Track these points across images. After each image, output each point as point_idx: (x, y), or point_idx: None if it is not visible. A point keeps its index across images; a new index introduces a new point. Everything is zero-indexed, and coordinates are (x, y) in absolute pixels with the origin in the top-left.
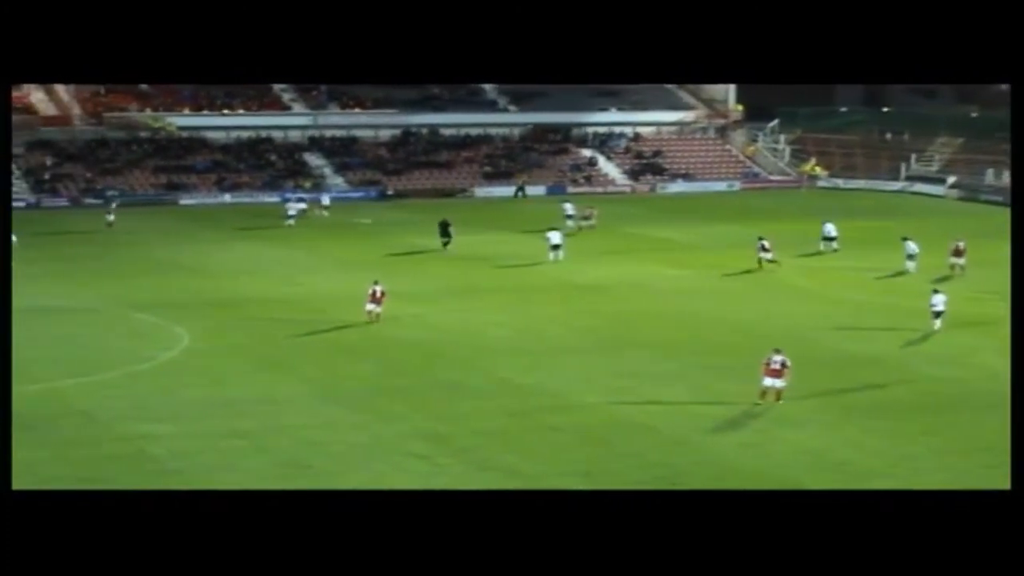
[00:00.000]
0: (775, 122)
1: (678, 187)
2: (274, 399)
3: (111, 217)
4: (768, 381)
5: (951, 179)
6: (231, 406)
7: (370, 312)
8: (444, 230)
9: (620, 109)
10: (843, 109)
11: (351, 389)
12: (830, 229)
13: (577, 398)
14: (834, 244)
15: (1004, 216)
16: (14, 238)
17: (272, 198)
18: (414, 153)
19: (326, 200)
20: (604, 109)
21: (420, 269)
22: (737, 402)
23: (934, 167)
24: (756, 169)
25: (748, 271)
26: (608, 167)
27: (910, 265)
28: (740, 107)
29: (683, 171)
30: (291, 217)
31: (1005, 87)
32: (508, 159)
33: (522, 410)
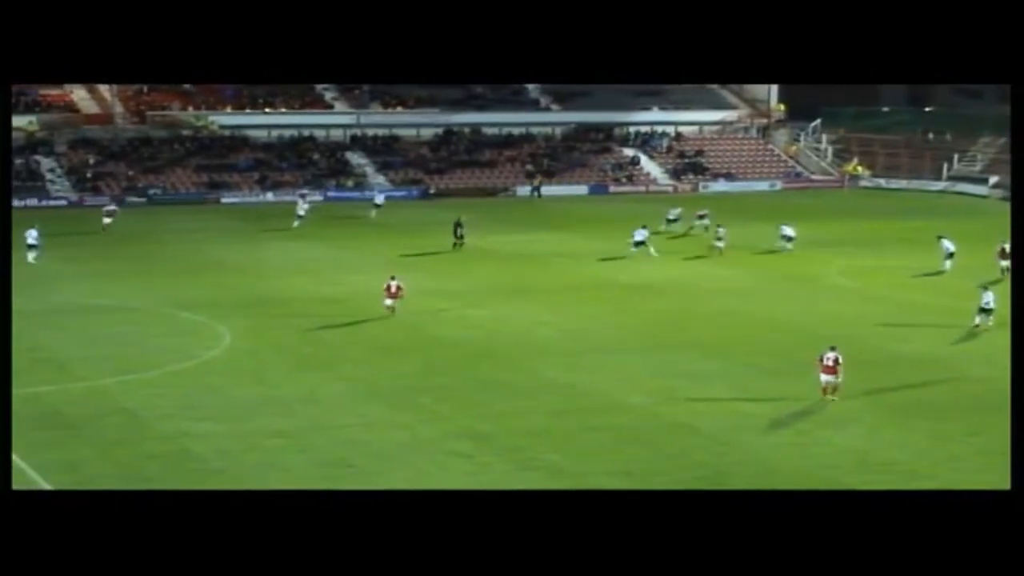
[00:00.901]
0: (817, 122)
1: (720, 186)
2: (317, 398)
3: (108, 220)
4: (824, 378)
5: (994, 179)
6: (274, 405)
7: (388, 306)
8: (455, 230)
9: (662, 108)
10: (886, 109)
11: (394, 388)
12: (787, 230)
13: (621, 398)
14: (789, 245)
15: None
16: (34, 232)
17: (315, 197)
18: (456, 152)
19: (380, 199)
20: (646, 108)
21: (465, 267)
22: (781, 401)
23: (977, 167)
24: (798, 169)
25: (796, 270)
26: (650, 166)
27: (947, 264)
28: (782, 107)
29: (725, 170)
30: (300, 218)
31: None
32: (551, 158)
33: (565, 410)
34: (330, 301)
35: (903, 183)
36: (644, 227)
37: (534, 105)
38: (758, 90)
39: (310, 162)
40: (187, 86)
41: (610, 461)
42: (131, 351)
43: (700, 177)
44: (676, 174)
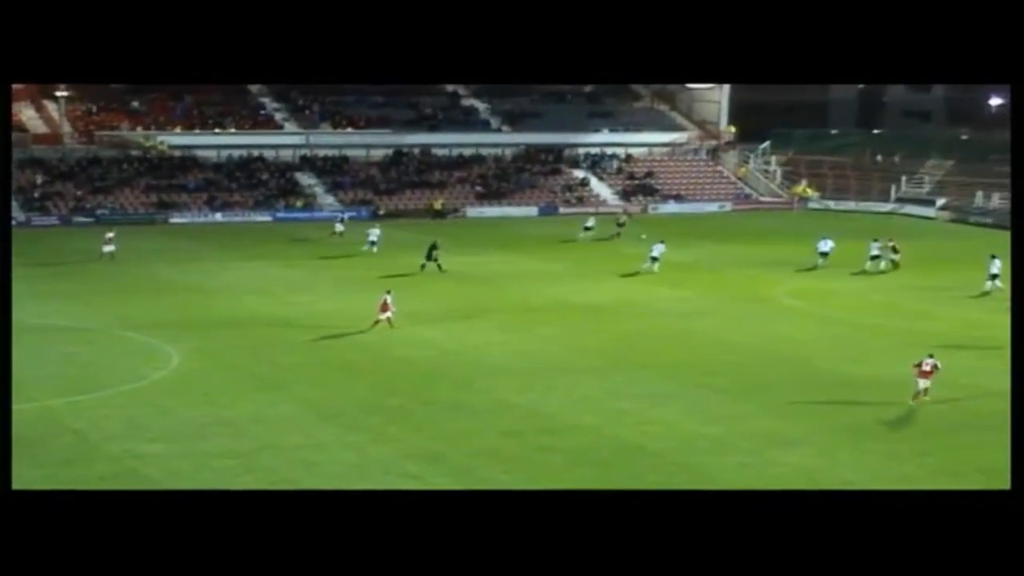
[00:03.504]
0: (767, 143)
1: (670, 208)
2: (268, 418)
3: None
4: (922, 382)
5: (941, 201)
6: (224, 426)
7: (386, 320)
8: (429, 253)
9: (612, 130)
10: (835, 131)
11: (345, 408)
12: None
13: (574, 419)
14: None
15: (994, 238)
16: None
17: (264, 217)
18: (406, 173)
19: (340, 225)
20: (597, 130)
21: (418, 289)
22: (733, 422)
23: (925, 189)
24: (748, 190)
25: (746, 291)
26: (600, 188)
27: (881, 264)
28: (732, 128)
29: (675, 192)
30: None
31: (997, 109)
32: (501, 179)
33: (518, 431)
34: (281, 322)
35: (852, 205)
36: (662, 242)
37: (485, 126)
38: (708, 112)
39: (260, 182)
40: (136, 104)
41: (562, 482)
42: (80, 371)
43: (650, 198)
44: (626, 195)
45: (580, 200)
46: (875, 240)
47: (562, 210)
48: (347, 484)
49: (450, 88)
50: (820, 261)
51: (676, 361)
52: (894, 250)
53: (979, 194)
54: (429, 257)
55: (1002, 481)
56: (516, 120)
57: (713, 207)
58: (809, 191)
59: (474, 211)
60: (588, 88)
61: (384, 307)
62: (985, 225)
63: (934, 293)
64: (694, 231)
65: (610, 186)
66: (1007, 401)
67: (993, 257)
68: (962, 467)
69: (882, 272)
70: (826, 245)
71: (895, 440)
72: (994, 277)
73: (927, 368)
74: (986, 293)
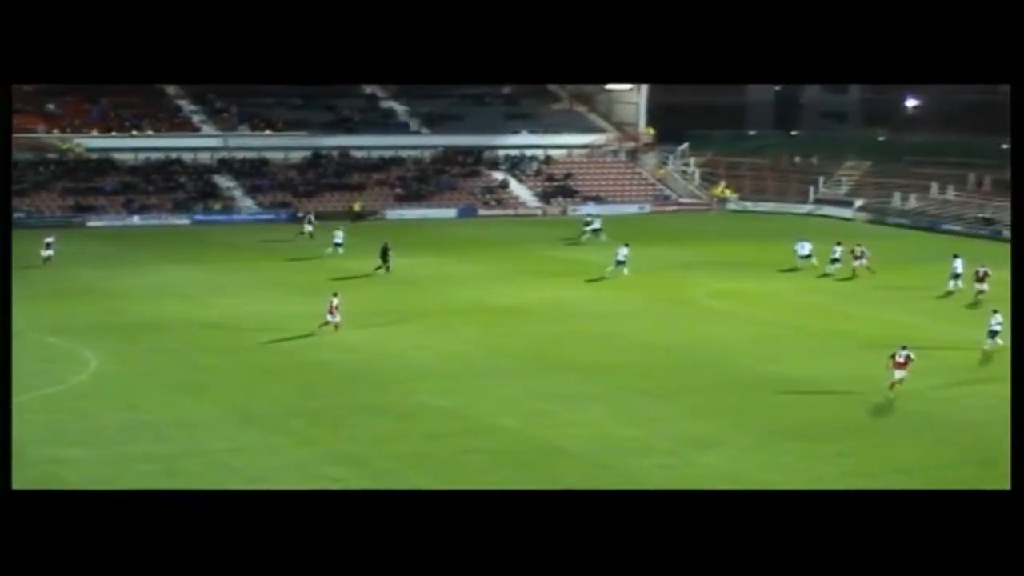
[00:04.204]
0: (685, 145)
1: (589, 209)
2: (189, 422)
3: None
4: (898, 373)
5: (858, 202)
6: (145, 430)
7: (329, 323)
8: (384, 254)
9: (531, 132)
10: (753, 132)
11: (267, 412)
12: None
13: (495, 421)
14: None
15: (911, 239)
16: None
17: (182, 220)
18: (325, 175)
19: (308, 227)
20: (515, 132)
21: (339, 290)
22: (654, 423)
23: (842, 190)
24: (666, 192)
25: (668, 293)
26: (519, 190)
27: (800, 263)
28: (651, 130)
29: (594, 194)
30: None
31: (912, 111)
32: (420, 181)
33: (440, 433)
34: (203, 325)
35: (770, 206)
36: (626, 245)
37: (403, 128)
38: (626, 113)
39: (178, 185)
40: (52, 107)
41: (485, 484)
42: None
43: (569, 200)
44: (545, 197)
45: (499, 202)
46: (837, 244)
47: (481, 212)
48: (269, 487)
49: (368, 90)
50: (799, 264)
51: (598, 363)
52: (854, 255)
53: (897, 195)
54: (384, 259)
55: (921, 481)
56: (435, 122)
57: (632, 209)
58: (727, 192)
59: (393, 213)
60: (506, 90)
61: (332, 309)
62: (902, 226)
63: (854, 293)
64: (614, 233)
65: (529, 188)
66: (925, 402)
67: (955, 256)
68: (879, 467)
69: (849, 278)
70: (804, 248)
71: (813, 440)
72: (957, 276)
73: (901, 360)
74: (950, 293)
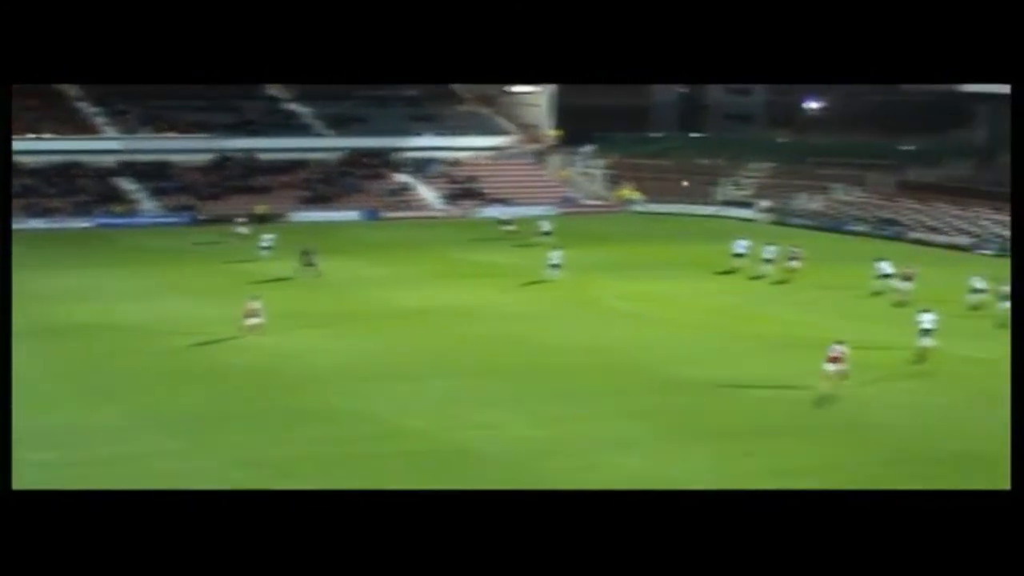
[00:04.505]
0: (591, 147)
1: (495, 211)
2: (91, 427)
3: None
4: (831, 367)
5: (763, 203)
6: (46, 435)
7: (250, 326)
8: (306, 258)
9: (437, 134)
10: (657, 134)
11: (171, 415)
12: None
13: (406, 424)
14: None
15: (816, 240)
16: None
17: (84, 223)
18: (230, 178)
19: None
20: (420, 134)
21: (247, 293)
22: (566, 425)
23: (746, 191)
24: (572, 194)
25: (577, 295)
26: (425, 192)
27: (736, 262)
28: (556, 132)
29: (500, 195)
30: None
31: (814, 112)
32: (325, 184)
33: (349, 437)
34: (114, 328)
35: (675, 207)
36: (559, 248)
37: (308, 130)
38: (532, 115)
39: (79, 188)
40: None
41: (393, 487)
42: None
43: (475, 202)
44: (451, 199)
45: (405, 204)
46: (769, 244)
47: (387, 214)
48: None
49: (271, 91)
50: (734, 263)
51: (506, 365)
52: (789, 256)
53: (802, 196)
54: (310, 262)
55: (836, 480)
56: (339, 124)
57: (539, 210)
58: (633, 194)
59: (299, 216)
60: (411, 92)
61: (252, 312)
62: (806, 227)
63: (765, 295)
64: (521, 234)
65: (434, 190)
66: (839, 401)
67: (880, 260)
68: (788, 467)
69: (783, 281)
70: (740, 247)
71: (726, 440)
72: (886, 276)
73: (836, 355)
74: (878, 293)
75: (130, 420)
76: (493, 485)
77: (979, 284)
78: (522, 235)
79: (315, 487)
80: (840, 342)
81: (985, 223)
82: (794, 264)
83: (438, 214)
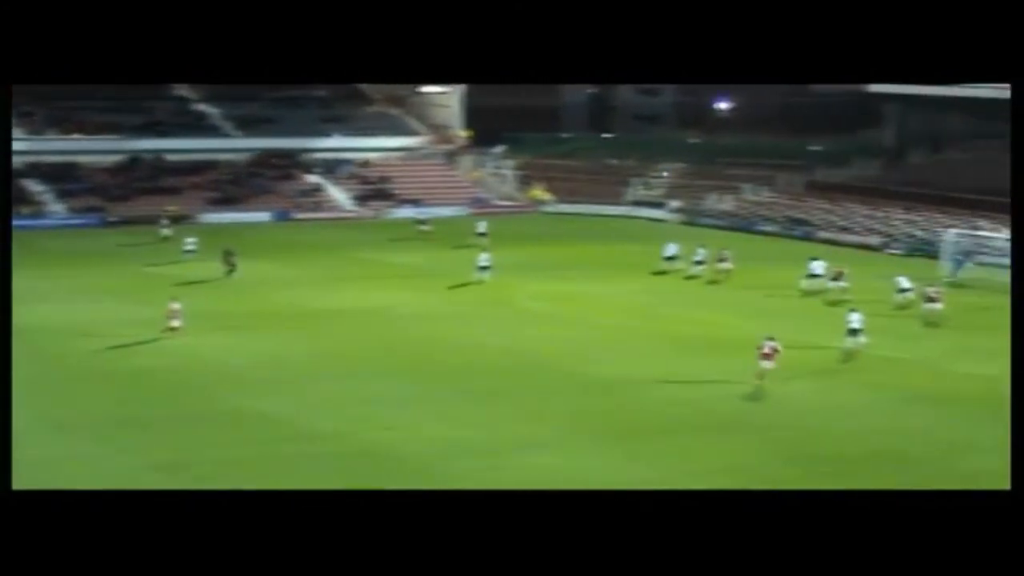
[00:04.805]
0: (502, 147)
1: (406, 212)
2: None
3: None
4: (764, 364)
5: (673, 203)
6: None
7: (171, 328)
8: (227, 259)
9: (346, 135)
10: (568, 135)
11: (85, 419)
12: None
13: (317, 425)
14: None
15: (728, 240)
16: None
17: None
18: (138, 179)
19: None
20: (330, 135)
21: (154, 295)
22: (479, 426)
23: (657, 192)
24: (483, 194)
25: (488, 295)
26: (335, 193)
27: (667, 264)
28: (467, 132)
29: (411, 196)
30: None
31: (723, 113)
32: (234, 185)
33: (261, 438)
34: (19, 330)
35: (586, 208)
36: (487, 251)
37: (217, 131)
38: (442, 116)
39: None
40: None
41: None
42: None
43: (386, 203)
44: (362, 200)
45: (315, 205)
46: (701, 247)
47: (297, 215)
48: None
49: (179, 92)
50: (664, 266)
51: (419, 366)
52: (720, 258)
53: (713, 196)
54: (228, 264)
55: (746, 480)
56: (249, 125)
57: (450, 211)
58: (544, 194)
59: (208, 217)
60: (321, 92)
61: (172, 314)
62: (717, 227)
63: (678, 295)
64: (431, 235)
65: (345, 191)
66: (747, 402)
67: (813, 259)
68: (702, 466)
69: (710, 280)
70: (671, 250)
71: (637, 441)
72: (815, 276)
73: (767, 351)
74: (808, 293)
75: (38, 424)
76: (404, 486)
77: (905, 284)
78: (436, 235)
79: (221, 488)
80: (771, 338)
81: (896, 223)
82: (724, 266)
83: (350, 215)
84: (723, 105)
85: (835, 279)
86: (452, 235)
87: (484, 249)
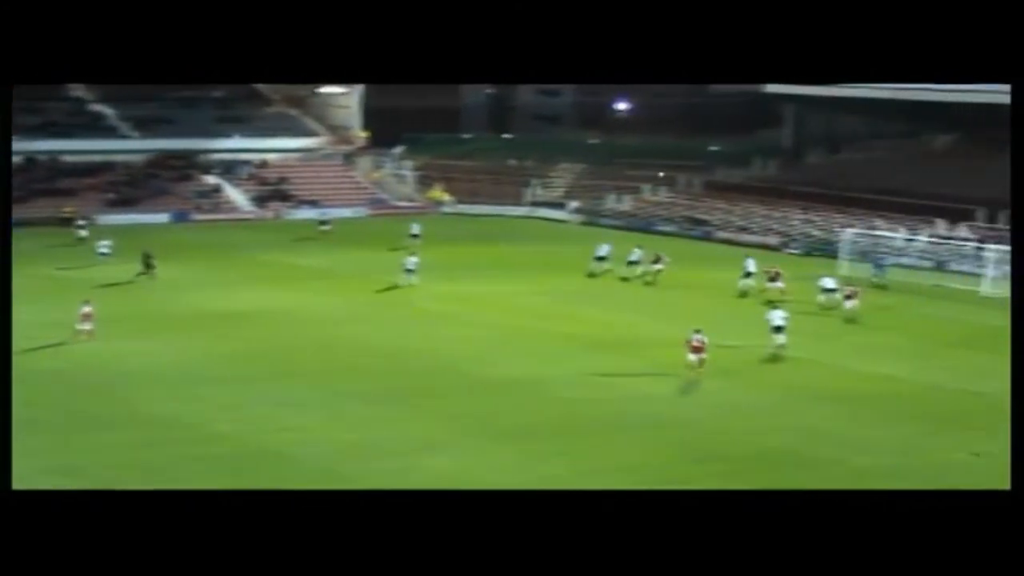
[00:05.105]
0: (400, 148)
1: (305, 213)
2: None
3: None
4: (693, 356)
5: (573, 204)
6: None
7: (82, 331)
8: (146, 261)
9: (244, 135)
10: (467, 135)
11: None
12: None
13: (216, 428)
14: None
15: (628, 240)
16: None
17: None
18: (35, 180)
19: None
20: (228, 135)
21: (53, 297)
22: (377, 427)
23: (557, 192)
24: (383, 195)
25: (388, 297)
26: (233, 194)
27: (598, 267)
28: (366, 133)
29: (310, 197)
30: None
31: (623, 114)
32: (132, 186)
33: (159, 440)
34: None
35: (486, 208)
36: (413, 254)
37: (114, 132)
38: (341, 116)
39: None
40: None
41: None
42: None
43: (285, 204)
44: (260, 201)
45: (214, 207)
46: (637, 247)
47: (195, 216)
48: None
49: (75, 93)
50: (595, 267)
51: (318, 368)
52: (655, 259)
53: (611, 196)
54: (147, 266)
55: (643, 479)
56: (146, 126)
57: (349, 212)
58: (443, 195)
59: (106, 218)
60: (218, 93)
61: (83, 317)
62: (616, 227)
63: (574, 295)
64: (330, 236)
65: (243, 192)
66: (648, 400)
67: (748, 257)
68: (601, 465)
69: (646, 281)
70: (602, 250)
71: (536, 441)
72: (749, 275)
73: (696, 344)
74: (744, 294)
75: None
76: (302, 488)
77: (830, 284)
78: (337, 236)
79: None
80: (698, 330)
81: (794, 222)
82: (658, 266)
83: (249, 216)
84: (623, 106)
85: (772, 280)
86: (352, 236)
87: (414, 252)
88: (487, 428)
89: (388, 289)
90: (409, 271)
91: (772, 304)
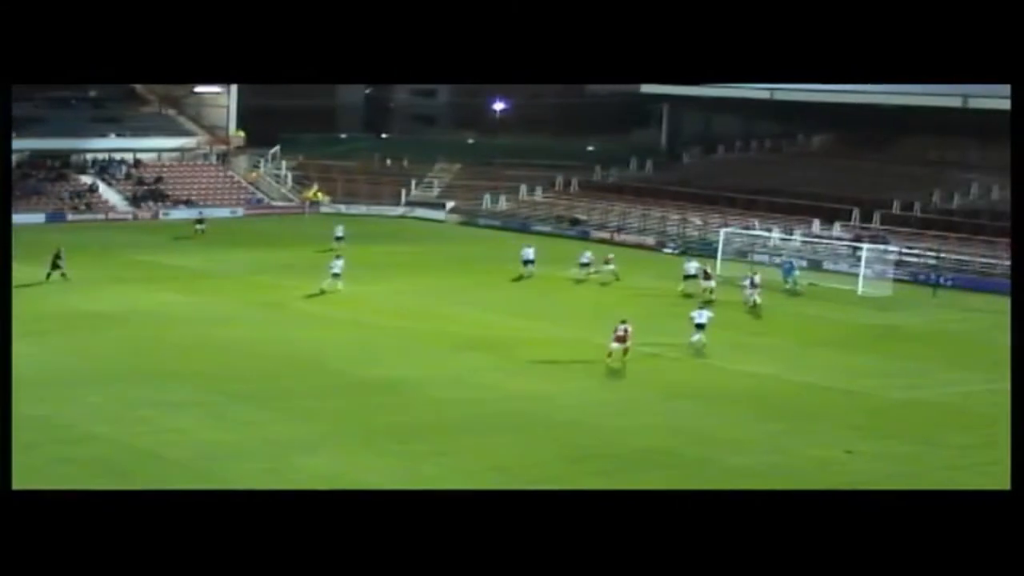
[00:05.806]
0: (277, 148)
1: (181, 213)
2: None
3: None
4: (616, 345)
5: (450, 204)
6: None
7: None
8: (54, 262)
9: (120, 135)
10: (343, 135)
11: None
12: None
13: (90, 429)
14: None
15: (504, 240)
16: None
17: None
18: None
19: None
20: (103, 135)
21: None
22: (253, 428)
23: (434, 192)
24: (259, 195)
25: (264, 297)
26: (109, 193)
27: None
28: (242, 133)
29: (186, 197)
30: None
31: (499, 114)
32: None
33: (33, 442)
34: None
35: (363, 209)
36: (339, 257)
37: None
38: (216, 116)
39: None
40: None
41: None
42: None
43: (160, 204)
44: (136, 201)
45: (89, 207)
46: (586, 250)
47: (71, 217)
48: None
49: None
50: (524, 270)
51: (192, 369)
52: (605, 261)
53: (487, 196)
54: (54, 266)
55: (518, 480)
56: (19, 126)
57: (225, 212)
58: (320, 195)
59: None
60: (93, 93)
61: None
62: (492, 227)
63: (450, 294)
64: (207, 236)
65: (119, 192)
66: (523, 400)
67: (690, 258)
68: (477, 466)
69: (602, 282)
70: (529, 253)
71: (412, 441)
72: (690, 277)
73: (621, 333)
74: (688, 295)
75: None
76: (184, 488)
77: (692, 270)
78: (211, 236)
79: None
80: (624, 321)
81: (671, 222)
82: (610, 267)
83: (125, 216)
84: (499, 106)
85: (707, 279)
86: (229, 236)
87: (339, 255)
88: (363, 429)
89: (262, 290)
90: (336, 275)
91: (701, 303)
